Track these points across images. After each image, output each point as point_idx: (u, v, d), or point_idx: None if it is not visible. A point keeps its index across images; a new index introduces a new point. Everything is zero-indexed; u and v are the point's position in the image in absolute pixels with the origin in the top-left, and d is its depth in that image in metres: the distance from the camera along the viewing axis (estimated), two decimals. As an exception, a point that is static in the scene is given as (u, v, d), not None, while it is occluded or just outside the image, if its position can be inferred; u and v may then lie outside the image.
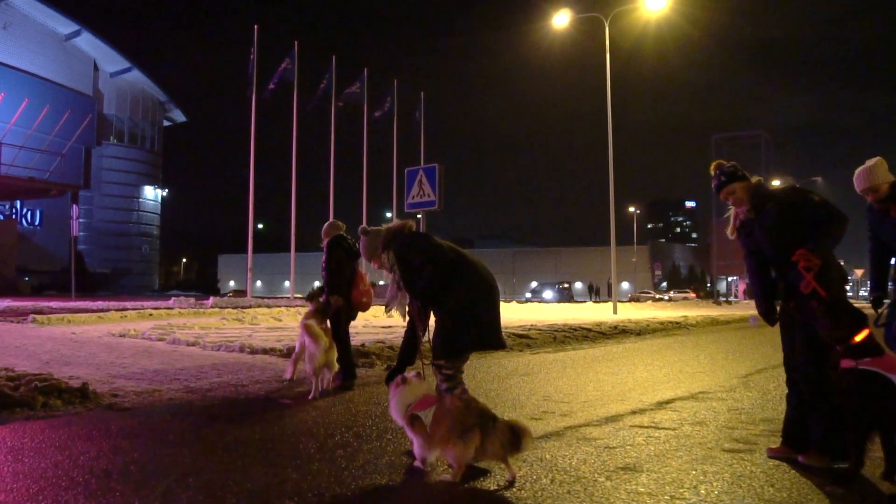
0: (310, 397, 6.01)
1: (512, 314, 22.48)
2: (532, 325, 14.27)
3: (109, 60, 51.39)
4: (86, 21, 49.57)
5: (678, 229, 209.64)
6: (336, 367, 6.42)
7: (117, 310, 17.07)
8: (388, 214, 68.55)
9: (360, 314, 7.34)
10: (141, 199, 57.53)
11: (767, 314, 4.22)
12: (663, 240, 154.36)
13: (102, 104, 51.34)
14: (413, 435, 3.57)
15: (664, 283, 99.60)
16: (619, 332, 14.68)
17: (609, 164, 25.16)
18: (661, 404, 6.07)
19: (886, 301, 4.90)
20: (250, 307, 22.48)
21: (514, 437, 3.37)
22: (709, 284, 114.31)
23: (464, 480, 3.51)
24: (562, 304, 41.17)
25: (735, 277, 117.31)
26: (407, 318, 4.29)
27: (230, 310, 19.44)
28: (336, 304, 6.61)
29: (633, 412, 5.66)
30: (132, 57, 53.64)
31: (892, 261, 5.09)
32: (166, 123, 60.80)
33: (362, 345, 9.13)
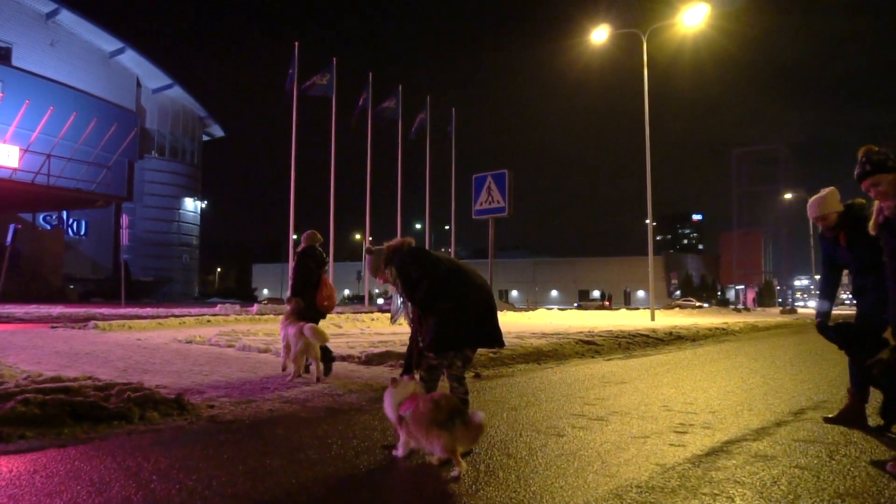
0: (289, 378, 6.79)
1: (557, 321, 21.77)
2: (590, 332, 13.56)
3: (152, 77, 51.28)
4: (129, 39, 49.54)
5: (685, 241, 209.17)
6: (318, 357, 6.92)
7: (174, 316, 16.52)
8: (418, 226, 68.19)
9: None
10: (181, 211, 57.25)
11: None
12: (671, 251, 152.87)
13: (145, 119, 51.23)
14: (399, 430, 3.74)
15: (678, 292, 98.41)
16: (675, 339, 13.91)
17: (647, 178, 24.21)
18: (797, 415, 5.35)
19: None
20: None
21: (476, 428, 3.46)
22: (719, 293, 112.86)
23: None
24: (592, 312, 40.09)
25: (743, 287, 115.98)
26: (412, 324, 4.41)
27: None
28: (298, 307, 7.12)
29: (778, 424, 4.97)
30: (173, 74, 53.51)
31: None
32: (205, 138, 60.60)
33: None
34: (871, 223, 3.83)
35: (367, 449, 4.00)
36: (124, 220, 26.98)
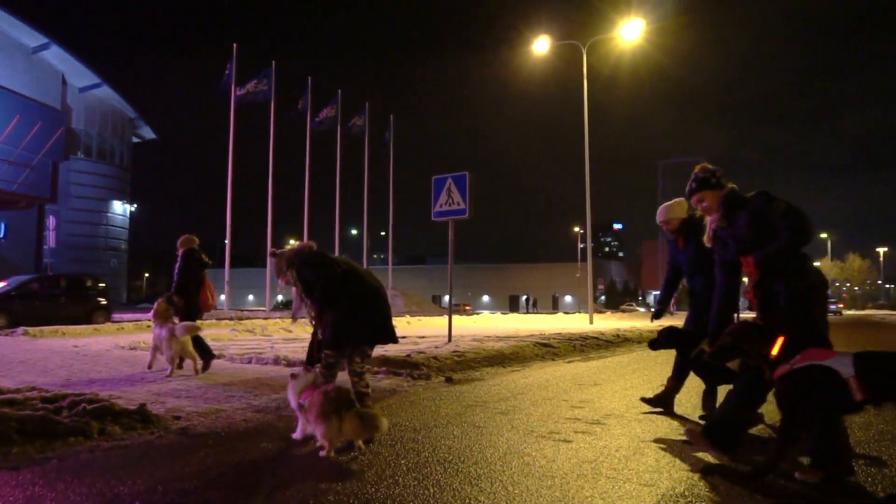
0: (166, 375, 6.91)
1: (503, 324, 21.64)
2: (542, 334, 13.39)
3: (78, 75, 48.09)
4: (55, 34, 46.43)
5: (607, 248, 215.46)
6: (194, 355, 7.21)
7: (111, 322, 15.37)
8: (354, 231, 67.09)
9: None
10: (109, 214, 53.88)
11: (718, 330, 3.84)
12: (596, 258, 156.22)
13: (71, 119, 48.01)
14: (301, 419, 3.97)
15: (603, 297, 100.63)
16: (623, 341, 13.88)
17: (586, 188, 24.40)
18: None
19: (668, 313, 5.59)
20: (232, 319, 20.98)
21: (364, 423, 3.70)
22: (640, 298, 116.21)
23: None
24: (518, 315, 40.28)
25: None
26: (313, 321, 4.63)
27: (227, 321, 17.91)
28: (179, 304, 7.40)
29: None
30: (102, 72, 50.17)
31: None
32: (135, 140, 57.48)
33: (408, 355, 8.02)
34: (705, 236, 3.97)
35: (371, 462, 3.55)
36: (51, 221, 24.99)
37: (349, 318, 4.39)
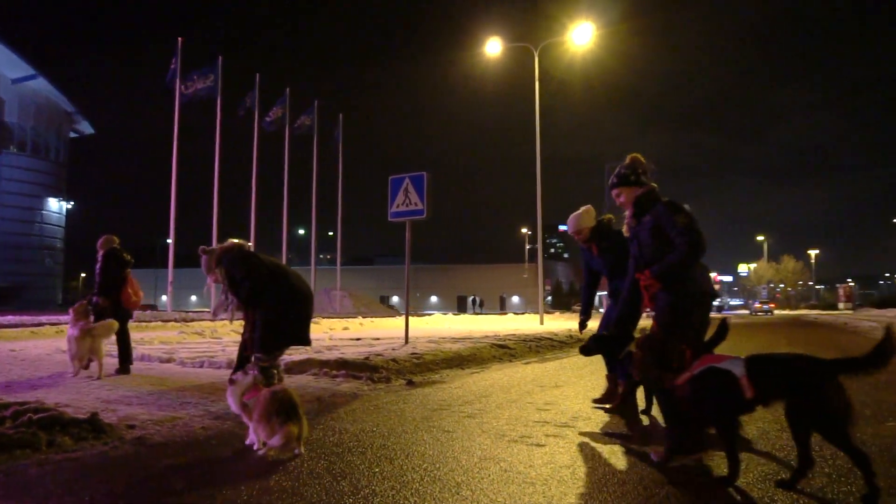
0: (72, 375, 6.91)
1: (455, 326, 21.59)
2: (496, 335, 13.40)
3: (11, 66, 45.82)
4: (-15, 25, 44.30)
5: (552, 249, 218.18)
6: (102, 355, 7.02)
7: (50, 324, 14.66)
8: (301, 231, 66.03)
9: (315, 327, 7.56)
10: (44, 212, 51.46)
11: (619, 322, 4.19)
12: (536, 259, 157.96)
13: (3, 111, 45.77)
14: (247, 421, 3.92)
15: (549, 297, 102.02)
16: (576, 342, 13.99)
17: (537, 190, 24.61)
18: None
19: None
20: (177, 321, 20.33)
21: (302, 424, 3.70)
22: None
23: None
24: (469, 316, 40.35)
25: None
26: (234, 320, 4.82)
27: (173, 323, 17.32)
28: (103, 304, 7.36)
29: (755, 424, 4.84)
30: (37, 64, 48.02)
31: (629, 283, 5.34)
32: (73, 135, 55.10)
33: (367, 358, 7.87)
34: (624, 226, 4.11)
35: (344, 471, 3.43)
36: (-19, 218, 23.74)
37: (279, 319, 4.42)
